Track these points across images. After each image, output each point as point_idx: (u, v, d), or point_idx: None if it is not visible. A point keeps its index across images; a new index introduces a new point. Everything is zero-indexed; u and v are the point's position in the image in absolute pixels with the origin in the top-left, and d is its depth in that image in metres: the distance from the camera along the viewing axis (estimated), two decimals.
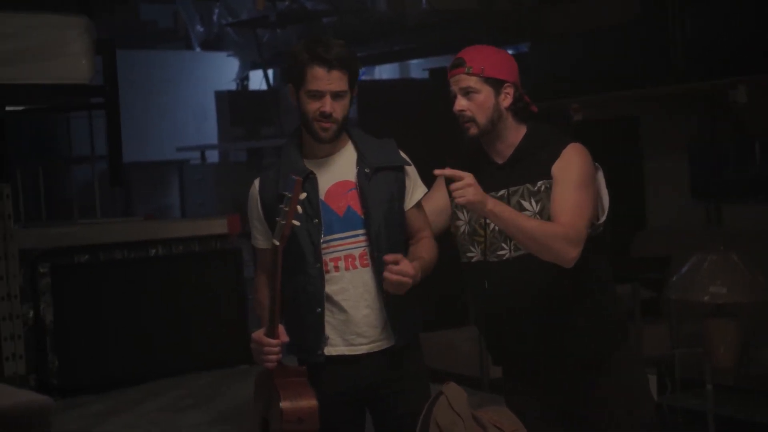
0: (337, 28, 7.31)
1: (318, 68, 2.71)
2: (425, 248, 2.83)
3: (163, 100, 9.25)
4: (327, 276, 2.77)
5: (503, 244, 2.78)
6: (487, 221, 2.78)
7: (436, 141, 4.69)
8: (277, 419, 2.63)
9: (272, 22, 7.89)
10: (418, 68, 8.40)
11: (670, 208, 6.02)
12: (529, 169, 2.77)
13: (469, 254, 2.86)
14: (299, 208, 2.61)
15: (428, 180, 2.92)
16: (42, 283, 5.31)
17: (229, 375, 5.49)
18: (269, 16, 7.77)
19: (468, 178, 2.62)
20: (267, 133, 8.44)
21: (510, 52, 3.17)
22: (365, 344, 2.80)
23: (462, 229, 2.88)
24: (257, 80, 9.01)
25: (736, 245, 4.34)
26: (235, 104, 8.58)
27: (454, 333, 5.81)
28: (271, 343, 2.67)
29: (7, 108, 5.60)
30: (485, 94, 2.77)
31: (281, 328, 2.69)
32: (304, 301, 2.78)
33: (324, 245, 2.76)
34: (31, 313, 5.30)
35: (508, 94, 2.79)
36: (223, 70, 9.36)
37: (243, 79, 9.25)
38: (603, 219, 2.82)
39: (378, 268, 2.73)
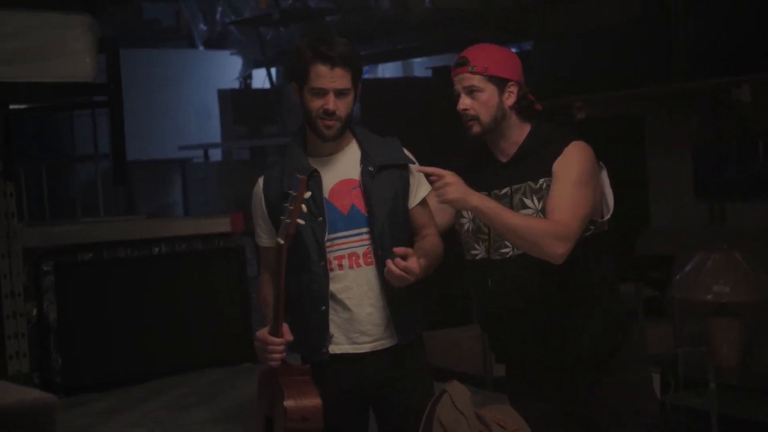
0: (340, 27, 7.30)
1: (321, 66, 2.71)
2: (431, 244, 2.83)
3: (166, 99, 9.24)
4: (331, 274, 2.78)
5: (506, 242, 2.78)
6: None
7: (439, 139, 4.69)
8: (281, 418, 2.63)
9: (275, 21, 7.89)
10: (421, 67, 8.39)
11: (674, 207, 6.02)
12: (532, 167, 2.77)
13: (473, 252, 2.86)
14: (304, 207, 2.62)
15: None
16: (45, 282, 5.32)
17: (232, 373, 5.49)
18: (272, 15, 7.77)
19: (448, 176, 2.65)
20: (270, 132, 8.44)
21: (513, 50, 3.16)
22: (369, 343, 2.81)
23: (466, 227, 2.88)
24: (260, 79, 9.00)
25: (739, 244, 4.33)
26: (238, 103, 8.58)
27: (458, 331, 5.81)
28: (275, 342, 2.67)
29: (11, 106, 5.60)
30: (489, 92, 2.77)
31: (285, 327, 2.69)
32: (308, 300, 2.78)
33: (328, 243, 2.77)
34: (35, 312, 5.30)
35: (511, 92, 2.79)
36: (226, 68, 9.36)
37: (246, 77, 9.25)
38: (607, 218, 2.82)
39: (382, 266, 2.73)
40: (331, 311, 2.79)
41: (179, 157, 9.35)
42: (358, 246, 2.79)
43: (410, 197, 2.85)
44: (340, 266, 2.78)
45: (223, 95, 8.77)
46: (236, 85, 9.19)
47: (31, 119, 8.39)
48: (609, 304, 2.86)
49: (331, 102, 2.72)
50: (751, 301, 4.14)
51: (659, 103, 5.97)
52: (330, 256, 2.77)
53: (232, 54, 9.29)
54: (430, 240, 2.86)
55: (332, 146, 2.81)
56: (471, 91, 2.78)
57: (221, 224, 5.93)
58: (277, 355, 2.68)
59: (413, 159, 2.87)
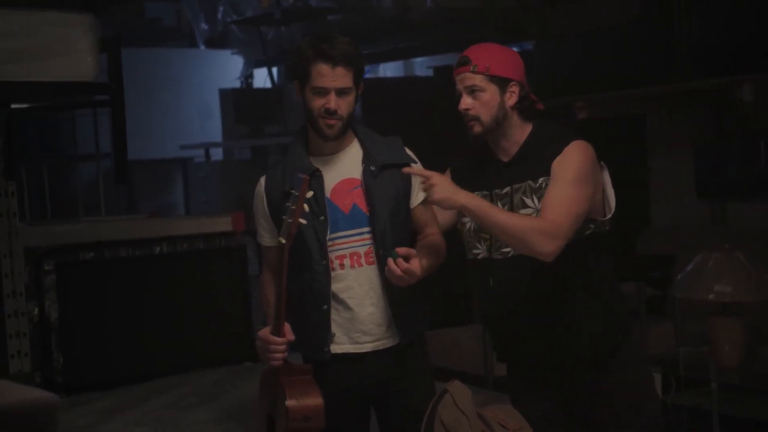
0: (341, 26, 7.30)
1: (322, 65, 2.71)
2: (433, 245, 2.83)
3: (168, 98, 9.25)
4: (332, 274, 2.78)
5: None
6: None
7: (441, 139, 4.69)
8: (283, 417, 2.63)
9: (277, 20, 7.89)
10: (422, 66, 8.39)
11: (675, 206, 6.01)
12: (533, 166, 2.77)
13: (475, 251, 2.87)
14: (306, 207, 2.62)
15: None
16: (47, 281, 5.32)
17: (233, 372, 5.49)
18: (274, 14, 7.77)
19: (434, 177, 2.66)
20: (271, 131, 8.44)
21: (515, 50, 3.16)
22: (370, 342, 2.81)
23: (468, 226, 2.88)
24: (261, 78, 9.01)
25: (741, 244, 4.33)
26: (239, 102, 8.58)
27: (459, 331, 5.81)
28: (277, 342, 2.67)
29: (12, 106, 5.60)
30: (490, 92, 2.77)
31: (287, 326, 2.69)
32: (310, 299, 2.79)
33: (330, 243, 2.77)
34: (36, 311, 5.30)
35: (513, 92, 2.79)
36: (228, 67, 9.36)
37: (247, 76, 9.25)
38: (608, 217, 2.82)
39: (383, 265, 2.73)
40: (332, 311, 2.79)
41: (180, 157, 9.36)
42: (360, 245, 2.79)
43: (412, 196, 2.85)
44: (342, 266, 2.78)
45: (225, 94, 8.77)
46: (237, 84, 9.19)
47: (32, 118, 8.39)
48: (609, 303, 2.86)
49: (332, 101, 2.72)
50: (753, 300, 4.13)
51: (660, 103, 5.97)
52: (331, 255, 2.77)
53: (233, 53, 9.29)
54: (433, 240, 2.86)
55: (334, 145, 2.81)
56: (472, 91, 2.78)
57: (223, 223, 5.93)
58: (279, 355, 2.68)
59: (415, 158, 2.87)
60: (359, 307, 2.79)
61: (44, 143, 8.70)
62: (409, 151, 2.88)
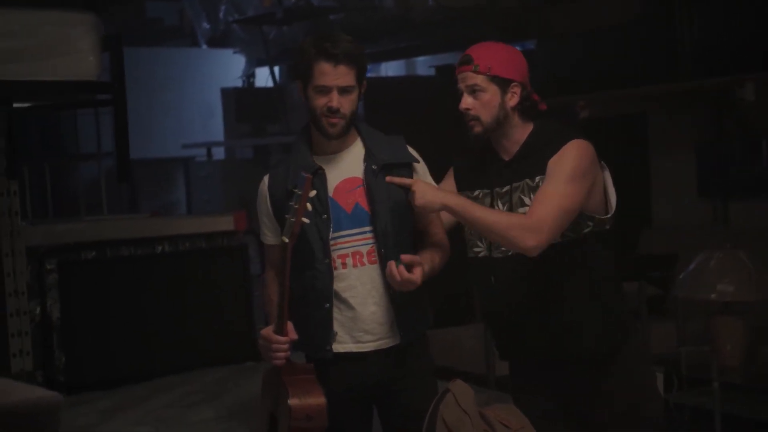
0: (343, 25, 7.30)
1: (324, 63, 2.71)
2: (437, 248, 2.84)
3: (169, 97, 9.26)
4: (335, 273, 2.78)
5: None
6: None
7: (442, 138, 4.68)
8: (286, 416, 2.63)
9: (278, 19, 7.89)
10: (424, 65, 8.40)
11: (677, 205, 6.02)
12: (532, 165, 2.77)
13: (476, 249, 2.87)
14: (309, 206, 2.62)
15: (436, 176, 2.92)
16: (49, 280, 5.32)
17: (235, 372, 5.49)
18: (275, 13, 7.77)
19: (414, 184, 2.72)
20: (273, 130, 8.45)
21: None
22: (373, 341, 2.81)
23: None
24: (263, 77, 9.01)
25: (742, 243, 4.33)
26: (241, 101, 8.59)
27: (460, 330, 5.81)
28: (280, 340, 2.67)
29: (14, 105, 5.60)
30: (491, 93, 2.77)
31: (290, 325, 2.69)
32: (312, 298, 2.79)
33: (332, 242, 2.77)
34: (38, 310, 5.30)
35: (514, 93, 2.79)
36: (230, 67, 9.37)
37: (249, 76, 9.25)
38: (608, 216, 2.82)
39: (384, 265, 2.73)
40: (335, 310, 2.79)
41: (182, 156, 9.37)
42: (362, 244, 2.79)
43: None
44: (344, 265, 2.78)
45: (226, 94, 8.78)
46: (239, 83, 9.20)
47: (34, 117, 8.40)
48: (610, 303, 2.85)
49: (334, 99, 2.72)
50: (754, 300, 4.14)
51: (661, 102, 5.97)
52: (334, 254, 2.77)
53: (235, 52, 9.29)
54: (437, 240, 2.86)
55: (337, 144, 2.81)
56: (473, 91, 2.78)
57: (224, 222, 5.93)
58: (282, 354, 2.68)
59: (418, 158, 2.87)
60: (361, 306, 2.79)
61: (46, 142, 8.70)
62: (412, 150, 2.87)
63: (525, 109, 2.82)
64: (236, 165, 9.13)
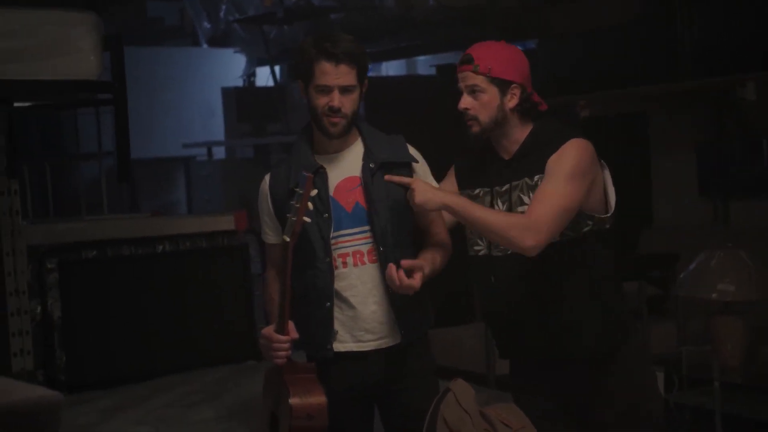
0: (344, 25, 7.30)
1: (325, 63, 2.71)
2: (439, 247, 2.84)
3: (170, 97, 9.26)
4: (335, 272, 2.78)
5: None
6: None
7: (443, 137, 4.69)
8: (287, 415, 2.63)
9: (279, 19, 7.89)
10: (425, 65, 8.39)
11: (677, 205, 6.01)
12: (532, 164, 2.77)
13: (476, 247, 2.87)
14: (310, 205, 2.62)
15: (437, 176, 2.93)
16: (49, 279, 5.33)
17: (236, 371, 5.50)
18: (276, 13, 7.77)
19: (413, 182, 2.73)
20: (273, 130, 8.45)
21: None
22: (373, 341, 2.81)
23: None
24: (264, 77, 9.01)
25: (743, 243, 4.33)
26: (241, 101, 8.59)
27: (460, 330, 5.81)
28: (281, 340, 2.67)
29: (15, 104, 5.61)
30: (490, 94, 2.77)
31: (291, 325, 2.69)
32: (313, 297, 2.79)
33: (333, 241, 2.77)
34: (39, 309, 5.31)
35: (514, 95, 2.79)
36: (230, 66, 9.37)
37: (250, 75, 9.26)
38: (608, 215, 2.82)
39: (383, 264, 2.74)
40: (335, 309, 2.79)
41: (183, 155, 9.37)
42: (363, 244, 2.79)
43: None
44: (345, 264, 2.79)
45: (227, 93, 8.78)
46: (240, 83, 9.20)
47: (35, 117, 8.40)
48: (610, 303, 2.85)
49: (336, 99, 2.72)
50: (755, 299, 4.13)
51: (662, 102, 5.97)
52: (335, 253, 2.77)
53: (235, 52, 9.29)
54: (438, 240, 2.86)
55: (338, 144, 2.81)
56: (473, 91, 2.78)
57: (225, 222, 5.94)
58: (283, 353, 2.68)
59: (417, 158, 2.87)
60: (362, 305, 2.79)
61: (47, 142, 8.70)
62: (413, 150, 2.87)
63: (524, 111, 2.81)
64: (237, 164, 9.14)
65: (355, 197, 2.79)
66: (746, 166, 5.63)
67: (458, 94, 2.82)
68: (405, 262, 2.68)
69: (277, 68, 8.62)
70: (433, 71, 7.55)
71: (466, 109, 2.79)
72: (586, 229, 2.78)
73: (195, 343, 5.70)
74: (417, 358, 2.86)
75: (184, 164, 9.51)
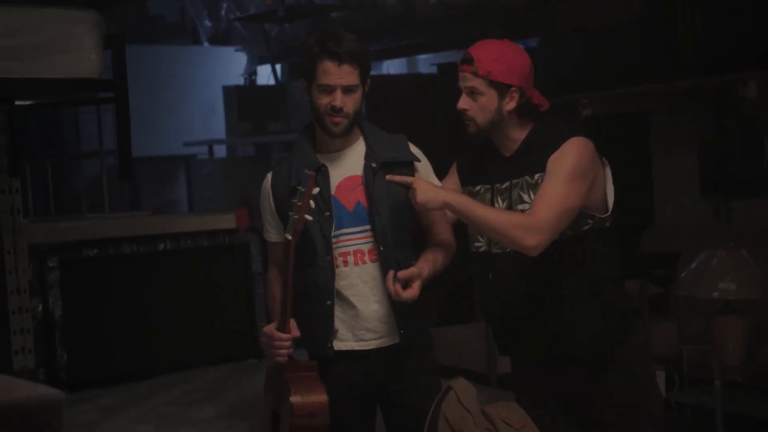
0: (345, 23, 7.30)
1: (328, 62, 2.71)
2: (440, 249, 2.84)
3: (171, 95, 9.25)
4: (336, 271, 2.78)
5: None
6: None
7: (444, 136, 4.69)
8: (288, 413, 2.63)
9: (280, 17, 7.89)
10: (426, 63, 8.38)
11: (679, 204, 6.01)
12: (532, 162, 2.77)
13: (477, 244, 2.88)
14: (312, 203, 2.62)
15: (438, 174, 2.93)
16: (51, 278, 5.33)
17: (237, 369, 5.50)
18: (277, 11, 7.77)
19: (414, 181, 2.72)
20: (274, 128, 8.44)
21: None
22: (375, 339, 2.81)
23: None
24: (265, 75, 9.01)
25: (744, 242, 4.33)
26: (242, 99, 8.58)
27: (461, 329, 5.81)
28: (282, 338, 2.68)
29: (16, 102, 5.61)
30: (489, 97, 2.77)
31: (293, 323, 2.69)
32: (314, 295, 2.79)
33: (334, 239, 2.77)
34: (40, 307, 5.32)
35: (513, 98, 2.78)
36: (231, 65, 9.36)
37: (251, 74, 9.25)
38: (608, 214, 2.82)
39: (383, 263, 2.74)
40: (337, 308, 2.79)
41: (184, 154, 9.36)
42: (364, 243, 2.79)
43: None
44: (345, 263, 2.79)
45: (228, 91, 8.77)
46: (241, 81, 9.19)
47: (36, 115, 8.40)
48: (610, 302, 2.84)
49: (338, 98, 2.72)
50: (757, 298, 4.13)
51: (663, 101, 5.97)
52: (335, 252, 2.77)
53: (236, 50, 9.29)
54: (441, 240, 2.86)
55: (340, 143, 2.81)
56: (471, 93, 2.78)
57: (226, 220, 5.95)
58: (284, 351, 2.69)
59: (419, 157, 2.87)
60: (363, 304, 2.79)
61: (48, 140, 8.70)
62: (415, 149, 2.87)
63: (523, 113, 2.81)
64: (238, 163, 9.13)
65: (357, 196, 2.79)
66: (747, 165, 5.63)
67: (459, 93, 2.82)
68: (402, 274, 2.68)
69: (278, 67, 8.62)
70: (434, 70, 7.54)
71: (464, 109, 2.79)
72: (586, 227, 2.78)
73: (196, 341, 5.71)
74: (418, 358, 2.86)
75: (185, 163, 9.51)
